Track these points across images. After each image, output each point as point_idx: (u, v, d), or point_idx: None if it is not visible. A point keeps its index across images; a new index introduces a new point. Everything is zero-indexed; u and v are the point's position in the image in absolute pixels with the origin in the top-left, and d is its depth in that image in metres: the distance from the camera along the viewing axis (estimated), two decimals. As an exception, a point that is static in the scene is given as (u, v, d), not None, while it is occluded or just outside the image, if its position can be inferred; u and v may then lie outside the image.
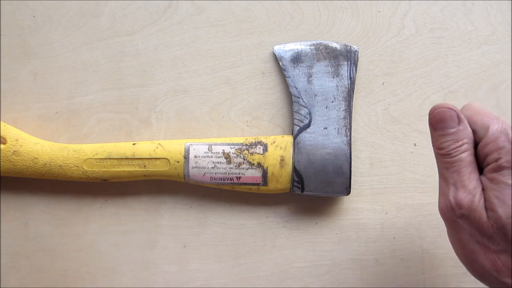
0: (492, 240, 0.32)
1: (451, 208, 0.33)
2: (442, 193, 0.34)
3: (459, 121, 0.34)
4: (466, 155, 0.33)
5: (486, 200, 0.32)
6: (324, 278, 0.49)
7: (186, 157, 0.46)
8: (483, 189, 0.33)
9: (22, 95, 0.50)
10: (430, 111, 0.35)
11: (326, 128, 0.46)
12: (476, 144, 0.34)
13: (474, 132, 0.34)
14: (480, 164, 0.34)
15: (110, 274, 0.49)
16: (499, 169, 0.32)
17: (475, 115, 0.34)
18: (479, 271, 0.33)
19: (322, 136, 0.46)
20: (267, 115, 0.50)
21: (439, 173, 0.35)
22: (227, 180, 0.46)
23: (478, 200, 0.32)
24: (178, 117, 0.50)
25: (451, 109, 0.34)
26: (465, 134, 0.34)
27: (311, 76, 0.47)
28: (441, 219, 0.48)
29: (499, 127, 0.33)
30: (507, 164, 0.31)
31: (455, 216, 0.33)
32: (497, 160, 0.32)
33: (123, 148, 0.46)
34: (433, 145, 0.36)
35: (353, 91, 0.47)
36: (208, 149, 0.46)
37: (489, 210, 0.32)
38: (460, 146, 0.34)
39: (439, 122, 0.35)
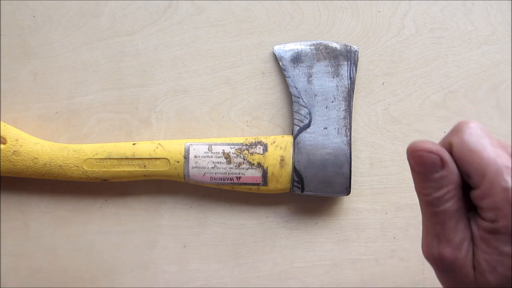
0: None
1: (434, 259, 0.29)
2: (425, 241, 0.30)
3: (443, 165, 0.28)
4: (450, 204, 0.28)
5: (475, 258, 0.27)
6: (324, 278, 0.49)
7: (186, 157, 0.46)
8: (473, 242, 0.28)
9: (22, 95, 0.50)
10: (408, 149, 0.29)
11: (326, 128, 0.46)
12: (469, 185, 0.28)
13: (467, 175, 0.27)
14: (475, 207, 0.28)
15: (110, 274, 0.49)
16: (494, 232, 0.26)
17: (469, 152, 0.27)
18: None
19: (322, 136, 0.46)
20: (267, 115, 0.50)
21: (421, 215, 0.30)
22: (227, 180, 0.46)
23: (464, 255, 0.28)
24: (178, 117, 0.50)
25: (432, 152, 0.28)
26: (451, 180, 0.28)
27: (311, 76, 0.47)
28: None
29: (496, 176, 0.26)
30: (505, 230, 0.26)
31: (438, 268, 0.29)
32: (493, 221, 0.26)
33: (123, 148, 0.46)
34: (414, 186, 0.30)
35: (353, 91, 0.47)
36: (208, 149, 0.46)
37: (477, 271, 0.27)
38: (444, 195, 0.28)
39: (419, 165, 0.28)
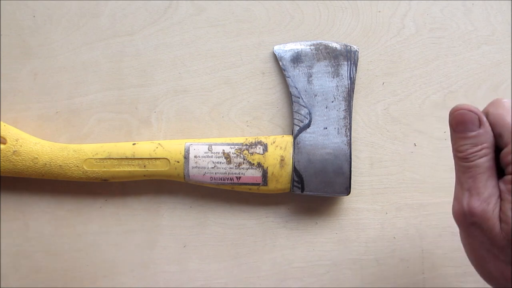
0: (502, 251, 0.31)
1: (463, 214, 0.32)
2: (456, 197, 0.33)
3: (480, 124, 0.32)
4: (483, 161, 0.32)
5: (501, 210, 0.31)
6: (324, 278, 0.49)
7: (186, 157, 0.46)
8: (500, 198, 0.31)
9: (22, 95, 0.50)
10: (451, 111, 0.34)
11: (326, 128, 0.46)
12: (500, 148, 0.32)
13: (499, 135, 0.32)
14: (503, 169, 0.32)
15: (110, 274, 0.49)
16: None
17: (503, 117, 0.31)
18: (487, 275, 0.33)
19: (322, 136, 0.46)
20: (267, 115, 0.50)
21: (455, 175, 0.34)
22: (227, 180, 0.46)
23: (492, 209, 0.31)
24: (178, 117, 0.50)
25: (472, 111, 0.32)
26: (485, 139, 0.32)
27: (311, 76, 0.47)
28: (441, 219, 0.48)
29: None
30: None
31: (467, 222, 0.32)
32: None
33: (123, 148, 0.46)
34: (452, 146, 0.34)
35: (353, 91, 0.47)
36: (208, 149, 0.46)
37: (503, 222, 0.30)
38: (479, 151, 0.32)
39: (458, 124, 0.33)
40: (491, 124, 0.32)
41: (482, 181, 0.31)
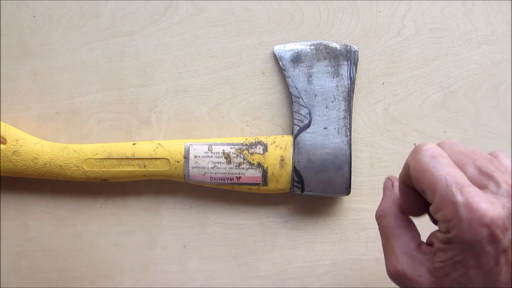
0: None
1: (390, 277, 0.32)
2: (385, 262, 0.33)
3: (391, 187, 0.34)
4: (388, 221, 0.33)
5: (431, 266, 0.29)
6: (324, 278, 0.49)
7: (186, 157, 0.46)
8: (432, 253, 0.30)
9: (22, 95, 0.50)
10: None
11: (326, 128, 0.46)
12: (429, 202, 0.30)
13: (423, 191, 0.30)
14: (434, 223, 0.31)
15: (110, 274, 0.49)
16: (448, 242, 0.28)
17: (421, 171, 0.29)
18: None
19: (322, 136, 0.46)
20: (267, 115, 0.50)
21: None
22: (227, 180, 0.46)
23: (410, 268, 0.30)
24: (178, 117, 0.50)
25: (389, 178, 0.35)
26: (388, 201, 0.33)
27: (311, 76, 0.47)
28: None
29: (446, 192, 0.28)
30: (456, 240, 0.27)
31: (397, 283, 0.31)
32: (446, 232, 0.28)
33: (123, 148, 0.46)
34: None
35: (353, 91, 0.48)
36: (208, 149, 0.46)
37: (434, 276, 0.29)
38: (382, 211, 0.33)
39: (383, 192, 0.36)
40: (413, 178, 0.30)
41: (392, 240, 0.32)
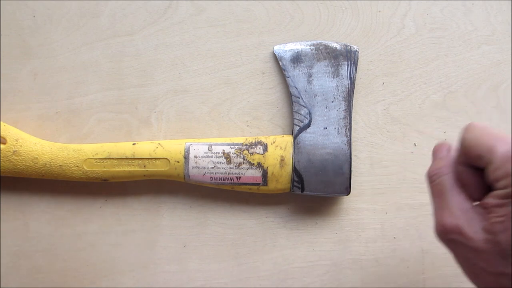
0: (488, 263, 0.31)
1: (440, 232, 0.33)
2: (434, 219, 0.34)
3: (447, 150, 0.35)
4: (446, 178, 0.34)
5: (487, 222, 0.31)
6: (324, 278, 0.49)
7: (186, 157, 0.46)
8: (488, 212, 0.31)
9: (22, 95, 0.50)
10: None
11: (326, 128, 0.46)
12: (482, 168, 0.32)
13: (479, 157, 0.32)
14: (491, 186, 0.32)
15: (110, 274, 0.49)
16: (508, 196, 0.30)
17: (478, 138, 0.32)
18: (484, 286, 0.33)
19: (322, 136, 0.46)
20: (267, 115, 0.50)
21: (430, 199, 0.35)
22: (227, 180, 0.46)
23: (466, 223, 0.31)
24: (178, 117, 0.50)
25: (443, 144, 0.36)
26: (446, 161, 0.35)
27: (311, 76, 0.47)
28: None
29: (506, 149, 0.30)
30: None
31: (445, 240, 0.33)
32: (506, 187, 0.30)
33: (123, 148, 0.46)
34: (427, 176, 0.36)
35: (353, 91, 0.47)
36: (208, 149, 0.46)
37: (490, 233, 0.30)
38: (439, 168, 0.34)
39: (432, 154, 0.37)
40: (468, 147, 0.33)
41: (448, 198, 0.33)
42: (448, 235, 0.32)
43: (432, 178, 0.35)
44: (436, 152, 0.36)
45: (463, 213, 0.32)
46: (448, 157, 0.35)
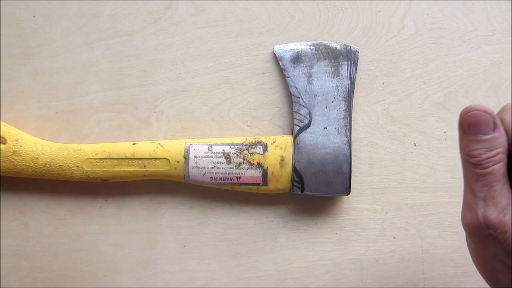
0: None
1: (478, 225, 0.29)
2: (468, 207, 0.30)
3: (495, 127, 0.30)
4: (498, 167, 0.29)
5: None
6: (324, 278, 0.49)
7: (186, 157, 0.46)
8: None
9: (22, 95, 0.50)
10: (462, 112, 0.31)
11: (326, 128, 0.46)
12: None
13: None
14: None
15: (110, 274, 0.49)
16: None
17: None
18: (497, 285, 0.31)
19: (322, 136, 0.46)
20: (267, 115, 0.50)
21: (465, 181, 0.31)
22: (227, 180, 0.46)
23: (509, 219, 0.29)
24: (178, 117, 0.50)
25: (487, 112, 0.30)
26: (500, 143, 0.29)
27: (311, 76, 0.47)
28: (441, 219, 0.48)
29: None
30: None
31: (481, 234, 0.30)
32: None
33: (123, 148, 0.46)
34: (461, 150, 0.31)
35: (353, 91, 0.48)
36: (208, 149, 0.46)
37: None
38: (494, 156, 0.29)
39: (471, 127, 0.30)
40: (505, 130, 0.30)
41: (498, 189, 0.29)
42: (489, 230, 0.29)
43: (481, 164, 0.30)
44: (475, 124, 0.30)
45: (509, 209, 0.29)
46: (502, 139, 0.30)
